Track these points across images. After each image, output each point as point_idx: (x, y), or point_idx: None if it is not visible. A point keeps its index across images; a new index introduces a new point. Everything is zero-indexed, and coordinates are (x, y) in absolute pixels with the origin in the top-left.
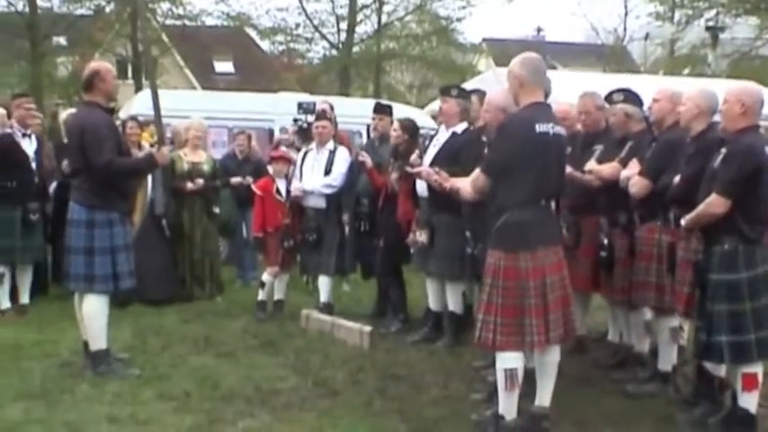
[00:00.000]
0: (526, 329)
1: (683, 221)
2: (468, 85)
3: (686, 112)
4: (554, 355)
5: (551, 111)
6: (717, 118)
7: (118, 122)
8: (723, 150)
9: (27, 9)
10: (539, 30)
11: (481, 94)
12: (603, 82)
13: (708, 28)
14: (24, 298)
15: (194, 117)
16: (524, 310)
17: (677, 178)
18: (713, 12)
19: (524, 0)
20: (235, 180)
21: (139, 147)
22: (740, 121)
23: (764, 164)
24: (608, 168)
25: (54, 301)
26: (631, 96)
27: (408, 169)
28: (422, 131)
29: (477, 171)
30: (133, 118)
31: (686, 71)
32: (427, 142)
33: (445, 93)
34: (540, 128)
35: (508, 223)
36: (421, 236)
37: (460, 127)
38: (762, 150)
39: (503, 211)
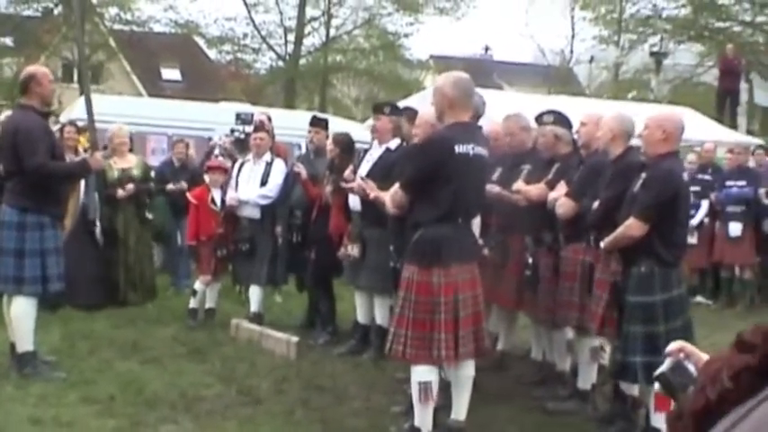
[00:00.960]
0: (434, 343)
1: (602, 244)
2: (412, 101)
3: (602, 138)
4: (468, 370)
5: (475, 131)
6: (635, 142)
7: (57, 126)
8: (643, 175)
9: None
10: (486, 48)
11: (412, 112)
12: (547, 103)
13: (652, 53)
14: None
15: (116, 124)
16: (434, 324)
17: (596, 203)
18: (657, 37)
19: (472, 19)
20: (170, 186)
21: (76, 152)
22: (660, 146)
23: (683, 189)
24: (535, 189)
25: None
26: (561, 118)
27: (342, 184)
28: (359, 146)
29: (395, 186)
30: (71, 122)
31: (630, 95)
32: (361, 156)
33: (378, 111)
34: (459, 148)
35: (423, 238)
36: (352, 249)
37: (394, 143)
38: (680, 176)
39: (419, 227)
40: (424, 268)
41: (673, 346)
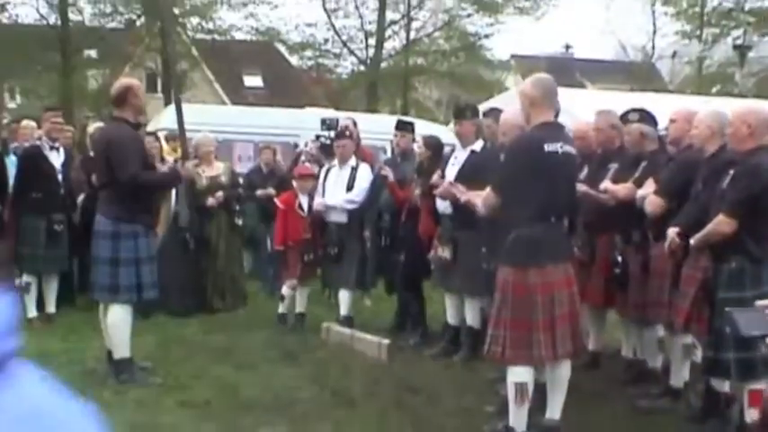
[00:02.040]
0: (534, 344)
1: (692, 241)
2: (492, 102)
3: (699, 135)
4: (564, 370)
5: (562, 130)
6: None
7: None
8: (731, 171)
9: (59, 22)
10: (567, 47)
11: (496, 113)
12: (630, 100)
13: (735, 46)
14: (50, 307)
15: (202, 133)
16: (532, 324)
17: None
18: (740, 30)
19: (553, 17)
20: (260, 192)
21: (162, 161)
22: (748, 141)
23: None
24: (623, 189)
25: (79, 311)
26: (647, 116)
27: (435, 192)
28: (447, 148)
29: (488, 189)
30: (151, 133)
31: (714, 90)
32: (446, 159)
33: (459, 115)
34: (548, 147)
35: (517, 240)
36: (444, 252)
37: (478, 145)
38: None
39: (512, 228)
40: (520, 269)
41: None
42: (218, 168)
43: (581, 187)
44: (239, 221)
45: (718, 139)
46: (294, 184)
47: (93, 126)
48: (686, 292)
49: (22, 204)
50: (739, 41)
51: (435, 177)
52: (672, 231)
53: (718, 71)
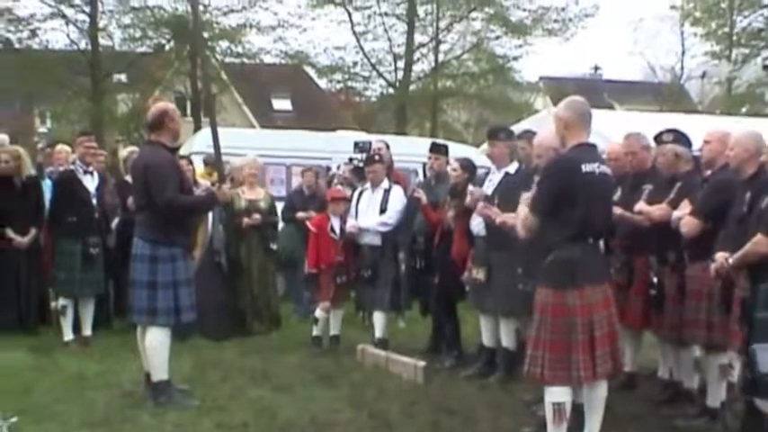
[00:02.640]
0: (573, 364)
1: (731, 260)
2: (524, 125)
3: (735, 157)
4: (602, 390)
5: (596, 151)
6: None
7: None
8: None
9: (89, 47)
10: (596, 68)
11: (530, 135)
12: (660, 121)
13: (765, 66)
14: (87, 330)
15: (249, 155)
16: (572, 345)
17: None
18: None
19: (581, 39)
20: (300, 215)
21: (196, 184)
22: None
23: None
24: (658, 210)
25: (115, 334)
26: (681, 137)
27: (468, 201)
28: (481, 171)
29: (525, 210)
30: (184, 157)
31: (744, 110)
32: (485, 182)
33: (493, 137)
34: (585, 168)
35: (556, 261)
36: (478, 273)
37: (513, 167)
38: None
39: (551, 249)
40: (559, 290)
41: None
42: (258, 193)
43: (616, 210)
44: (273, 246)
45: (755, 160)
46: (328, 206)
47: (126, 150)
48: (737, 315)
49: (57, 228)
50: None
51: (474, 188)
52: (720, 256)
53: (748, 91)
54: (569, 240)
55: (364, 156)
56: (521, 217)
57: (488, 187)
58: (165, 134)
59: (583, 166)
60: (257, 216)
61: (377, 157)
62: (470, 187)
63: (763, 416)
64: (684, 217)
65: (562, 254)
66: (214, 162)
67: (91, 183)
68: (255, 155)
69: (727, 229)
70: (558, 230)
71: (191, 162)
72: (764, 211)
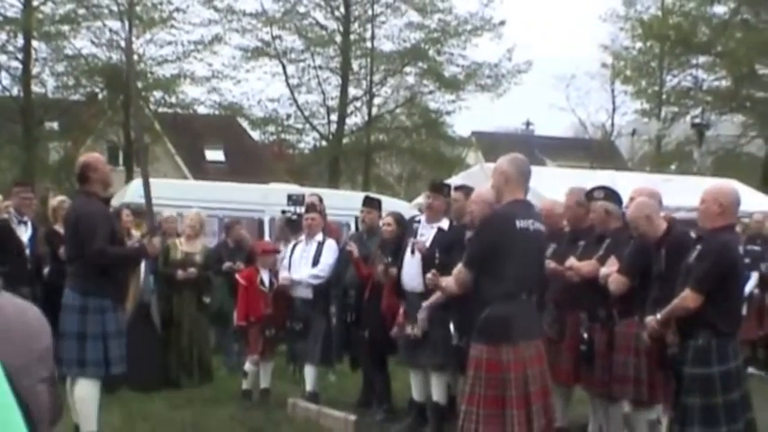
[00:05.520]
0: (507, 419)
1: (657, 316)
2: (456, 180)
3: (638, 226)
4: None
5: (532, 208)
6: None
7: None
8: (698, 247)
9: (21, 94)
10: (528, 123)
11: (467, 190)
12: (590, 178)
13: (694, 125)
14: None
15: (192, 209)
16: (506, 401)
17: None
18: (699, 109)
19: (514, 94)
20: (226, 265)
21: (129, 235)
22: (717, 220)
23: (738, 261)
24: (586, 266)
25: None
26: (611, 194)
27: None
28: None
29: (459, 265)
30: (128, 206)
31: (673, 167)
32: (414, 236)
33: (437, 190)
34: (520, 224)
35: (491, 317)
36: (413, 329)
37: (444, 223)
38: (736, 249)
39: (486, 305)
40: (493, 346)
41: None
42: (195, 246)
43: (549, 264)
44: (207, 299)
45: (659, 221)
46: (257, 259)
47: (56, 199)
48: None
49: None
50: (698, 120)
51: (415, 239)
52: (650, 320)
53: (677, 149)
54: (504, 296)
55: (297, 209)
56: (454, 272)
57: (423, 236)
58: (92, 185)
59: (517, 222)
60: (192, 270)
61: (317, 207)
62: (412, 238)
63: None
64: (612, 275)
65: (497, 310)
66: (143, 213)
67: (24, 233)
68: (188, 207)
69: (652, 290)
70: (493, 286)
71: (134, 214)
72: (691, 267)
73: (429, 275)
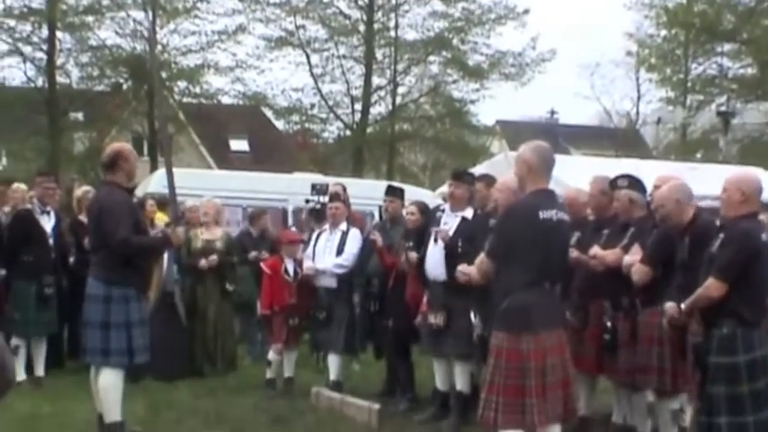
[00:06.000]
0: (526, 408)
1: (682, 305)
2: (480, 168)
3: (669, 212)
4: None
5: (555, 197)
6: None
7: (135, 200)
8: (721, 235)
9: (46, 85)
10: (552, 112)
11: (489, 179)
12: (615, 166)
13: (719, 113)
14: (39, 370)
15: (206, 196)
16: (525, 390)
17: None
18: (724, 97)
19: (538, 83)
20: (252, 254)
21: (152, 224)
22: (740, 208)
23: (762, 249)
24: (611, 255)
25: (69, 374)
26: (635, 182)
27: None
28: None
29: (481, 255)
30: (152, 196)
31: (698, 155)
32: (437, 225)
33: (458, 178)
34: (543, 214)
35: (512, 306)
36: (437, 318)
37: (469, 212)
38: (759, 236)
39: (507, 294)
40: (514, 335)
41: None
42: (215, 233)
43: (572, 253)
44: (230, 287)
45: (688, 208)
46: (282, 248)
47: (81, 189)
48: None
49: (12, 268)
50: (723, 108)
51: (438, 228)
52: (669, 307)
53: (703, 137)
54: (526, 285)
55: (321, 198)
56: (476, 261)
57: (446, 224)
58: (119, 174)
59: (540, 213)
60: (213, 257)
61: (341, 196)
62: (435, 227)
63: None
64: (635, 264)
65: (518, 298)
66: (167, 202)
67: (48, 223)
68: (212, 196)
69: (675, 278)
70: (515, 275)
71: (158, 204)
72: (715, 255)
73: (459, 269)
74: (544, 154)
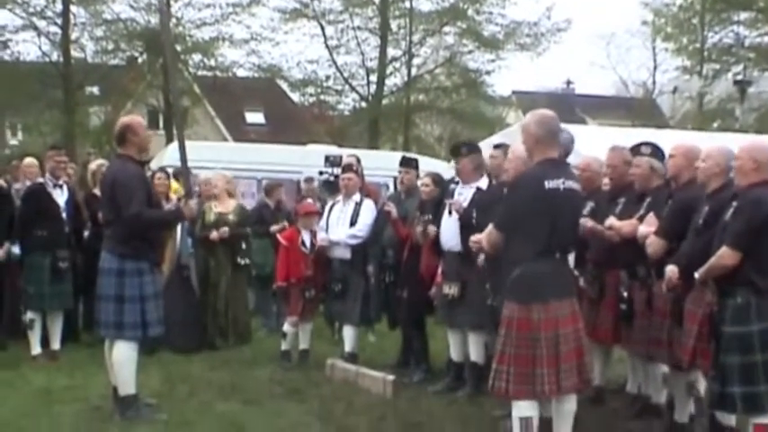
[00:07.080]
0: (537, 378)
1: (696, 274)
2: (496, 139)
3: (705, 170)
4: (570, 404)
5: (564, 166)
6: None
7: (148, 173)
8: (734, 203)
9: (61, 59)
10: (568, 82)
11: (505, 147)
12: (632, 136)
13: (736, 82)
14: (55, 344)
15: (216, 169)
16: (536, 360)
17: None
18: (741, 66)
19: (554, 53)
20: (275, 228)
21: (167, 198)
22: (753, 176)
23: None
24: (627, 225)
25: (84, 348)
26: (657, 151)
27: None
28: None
29: (490, 226)
30: (162, 169)
31: (715, 125)
32: (452, 196)
33: (455, 152)
34: (549, 184)
35: (521, 276)
36: (451, 289)
37: (483, 182)
38: None
39: (516, 265)
40: (524, 305)
41: None
42: (228, 206)
43: (587, 223)
44: (243, 261)
45: (723, 176)
46: (298, 220)
47: (95, 163)
48: (690, 329)
49: (26, 242)
50: (740, 77)
51: (452, 200)
52: (670, 270)
53: (719, 106)
54: (535, 255)
55: (335, 170)
56: (485, 232)
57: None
58: (130, 147)
59: (546, 183)
60: (225, 229)
61: (354, 167)
62: (449, 199)
63: (726, 429)
64: (650, 236)
65: (528, 268)
66: (177, 174)
67: (60, 197)
68: (225, 168)
69: (686, 242)
70: (524, 246)
71: (168, 177)
72: (728, 224)
73: (472, 238)
74: (549, 123)
